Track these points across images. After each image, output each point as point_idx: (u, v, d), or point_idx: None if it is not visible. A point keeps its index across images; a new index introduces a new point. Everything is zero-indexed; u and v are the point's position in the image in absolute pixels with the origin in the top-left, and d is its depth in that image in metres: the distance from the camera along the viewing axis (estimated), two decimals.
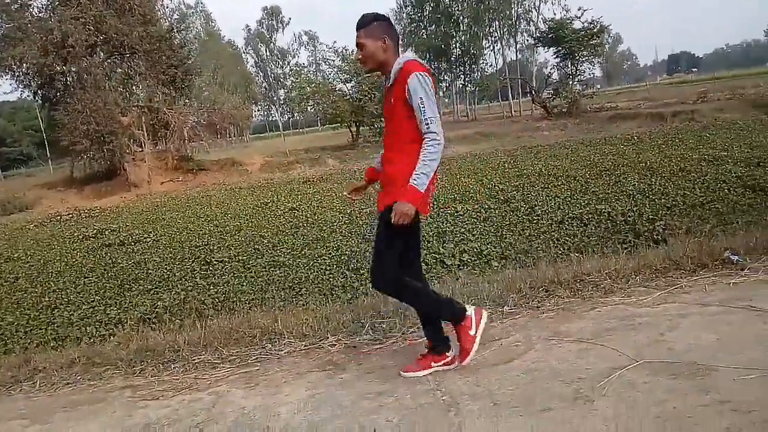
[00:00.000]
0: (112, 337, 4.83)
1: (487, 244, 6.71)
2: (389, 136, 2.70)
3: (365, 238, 7.58)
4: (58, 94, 22.36)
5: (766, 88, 24.03)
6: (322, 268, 6.81)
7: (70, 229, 12.67)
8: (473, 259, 6.27)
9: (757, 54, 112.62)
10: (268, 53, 68.35)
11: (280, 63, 68.71)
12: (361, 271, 6.43)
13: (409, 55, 2.62)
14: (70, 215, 15.63)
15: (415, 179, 2.49)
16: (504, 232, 7.23)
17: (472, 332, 2.83)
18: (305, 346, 3.48)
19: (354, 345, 3.40)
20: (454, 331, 2.88)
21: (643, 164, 10.29)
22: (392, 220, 2.52)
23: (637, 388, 2.44)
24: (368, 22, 2.63)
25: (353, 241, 7.81)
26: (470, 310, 2.87)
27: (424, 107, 2.49)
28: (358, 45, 2.65)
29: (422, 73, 2.52)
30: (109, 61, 23.32)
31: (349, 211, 10.01)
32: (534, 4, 38.20)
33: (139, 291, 6.94)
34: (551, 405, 2.41)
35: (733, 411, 2.17)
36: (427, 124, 2.50)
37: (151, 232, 10.69)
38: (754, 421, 2.10)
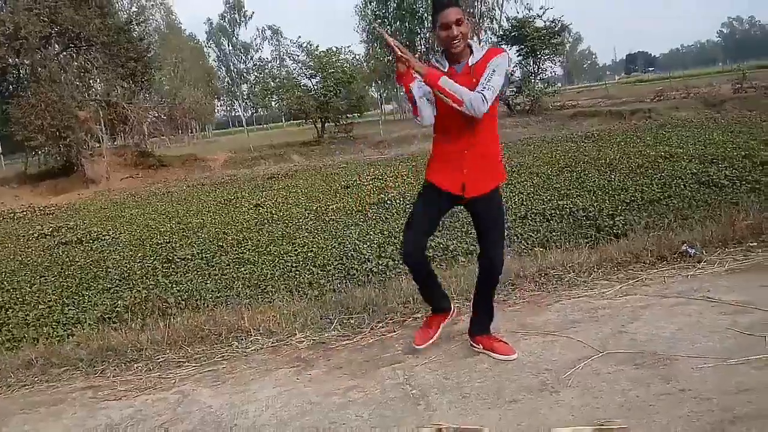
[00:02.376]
0: (70, 338, 4.68)
1: (453, 239, 6.76)
2: (475, 121, 2.59)
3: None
4: (10, 87, 21.56)
5: (718, 88, 24.88)
6: (288, 265, 6.74)
7: (25, 227, 12.22)
8: (439, 254, 6.29)
9: (711, 54, 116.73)
10: (230, 47, 67.31)
11: (243, 57, 67.79)
12: (328, 268, 6.40)
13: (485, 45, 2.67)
14: (24, 212, 15.07)
15: (444, 80, 2.51)
16: (468, 228, 7.29)
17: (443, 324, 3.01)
18: (273, 343, 3.45)
19: (322, 341, 3.38)
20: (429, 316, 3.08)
21: (603, 161, 10.53)
22: (401, 55, 2.51)
23: (602, 378, 2.50)
24: (460, 2, 2.60)
25: (320, 238, 7.76)
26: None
27: (493, 76, 2.55)
28: (457, 21, 2.54)
29: (506, 54, 2.65)
30: (64, 53, 22.55)
31: (315, 208, 9.95)
32: (497, 2, 38.64)
33: (98, 290, 6.73)
34: (519, 396, 2.45)
35: (693, 399, 2.25)
36: (485, 88, 2.52)
37: (110, 230, 10.40)
38: (712, 408, 2.18)
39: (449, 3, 2.58)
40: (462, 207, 2.90)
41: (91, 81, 24.47)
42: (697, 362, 2.51)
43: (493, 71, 2.56)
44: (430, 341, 2.96)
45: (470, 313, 3.03)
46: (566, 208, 7.39)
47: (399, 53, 2.51)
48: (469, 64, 2.62)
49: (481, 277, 2.87)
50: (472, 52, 2.65)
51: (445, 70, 2.62)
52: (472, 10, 38.19)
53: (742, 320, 2.87)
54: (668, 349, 2.67)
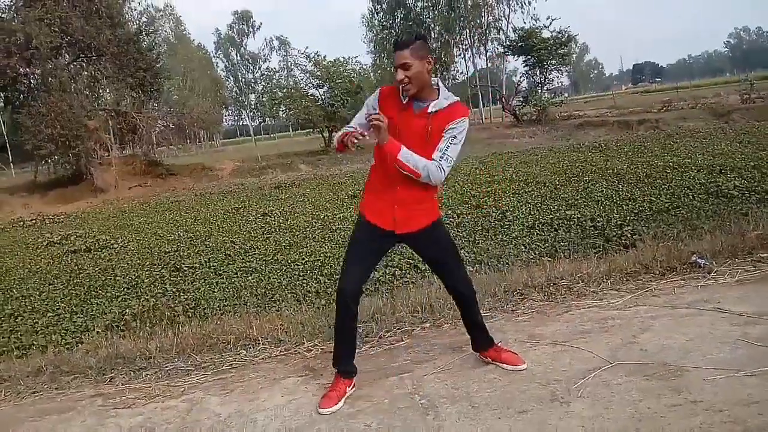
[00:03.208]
0: (79, 345, 4.70)
1: (461, 248, 6.75)
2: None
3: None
4: (21, 96, 21.78)
5: (726, 98, 24.82)
6: (295, 274, 6.75)
7: (34, 235, 12.30)
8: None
9: (718, 65, 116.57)
10: (238, 57, 67.69)
11: (251, 67, 68.16)
12: (335, 277, 6.40)
13: (452, 95, 2.63)
14: (34, 221, 15.18)
15: (403, 153, 2.52)
16: (476, 237, 7.28)
17: None
18: (281, 352, 3.45)
19: (330, 350, 3.36)
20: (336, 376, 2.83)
21: (611, 171, 10.51)
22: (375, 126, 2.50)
23: (612, 389, 2.48)
24: (413, 41, 2.54)
25: (327, 247, 7.77)
26: None
27: (451, 145, 2.57)
28: (403, 66, 2.50)
29: (467, 120, 2.63)
30: (75, 63, 22.79)
31: (322, 216, 9.97)
32: (504, 13, 38.75)
33: (106, 298, 6.76)
34: (528, 407, 2.44)
35: (704, 410, 2.23)
36: (442, 158, 2.55)
37: (118, 238, 10.46)
38: (723, 420, 2.16)
39: (398, 45, 2.54)
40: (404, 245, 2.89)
41: (100, 90, 24.74)
42: (708, 373, 2.49)
43: (453, 138, 2.57)
44: (336, 407, 2.65)
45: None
46: (574, 218, 7.38)
47: (378, 124, 2.49)
48: (429, 111, 2.57)
49: (458, 304, 2.93)
50: (438, 95, 2.61)
51: (404, 102, 2.59)
52: (479, 20, 38.39)
53: (752, 331, 2.85)
54: (679, 360, 2.65)
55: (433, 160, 2.54)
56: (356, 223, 2.81)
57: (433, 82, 2.63)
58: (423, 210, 2.71)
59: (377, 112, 2.57)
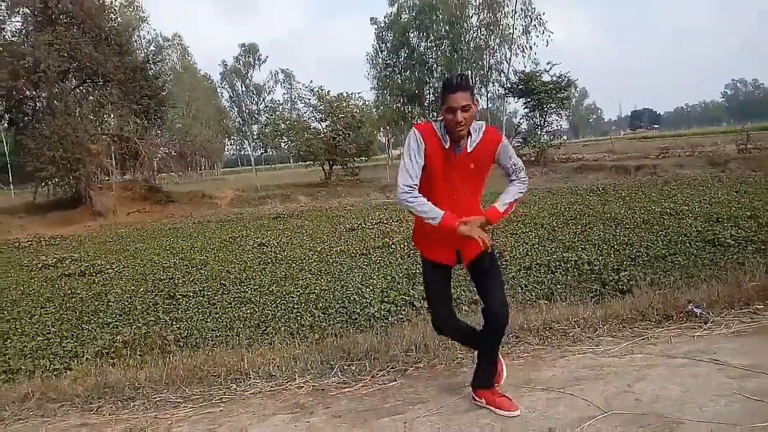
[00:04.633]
0: (67, 371, 4.64)
1: (456, 287, 6.73)
2: (469, 197, 2.78)
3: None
4: (26, 118, 21.95)
5: (723, 147, 25.10)
6: (289, 307, 6.71)
7: (29, 257, 12.24)
8: None
9: (715, 114, 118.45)
10: (243, 88, 68.65)
11: (256, 99, 69.03)
12: (330, 311, 6.36)
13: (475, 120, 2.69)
14: (30, 242, 15.13)
15: (502, 206, 2.77)
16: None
17: None
18: (271, 387, 3.40)
19: (322, 387, 3.33)
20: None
21: (608, 215, 10.56)
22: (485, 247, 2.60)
23: None
24: (470, 83, 2.61)
25: (323, 280, 7.74)
26: None
27: (513, 157, 2.82)
28: (464, 108, 2.53)
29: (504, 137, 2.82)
30: (81, 88, 23.09)
31: (319, 249, 9.95)
32: (505, 56, 39.58)
33: (98, 324, 6.69)
34: None
35: None
36: (517, 169, 2.83)
37: (113, 263, 10.41)
38: None
39: (459, 86, 2.55)
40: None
41: (105, 115, 24.96)
42: (704, 427, 2.46)
43: (510, 154, 2.81)
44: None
45: (473, 365, 2.99)
46: (571, 260, 7.37)
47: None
48: (468, 150, 2.66)
49: (487, 331, 2.84)
50: (470, 134, 2.67)
51: (447, 145, 2.65)
52: (481, 63, 39.14)
53: (749, 385, 2.82)
54: (674, 412, 2.62)
55: (516, 178, 2.83)
56: (425, 266, 2.95)
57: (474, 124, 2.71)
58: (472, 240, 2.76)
59: (485, 242, 2.58)
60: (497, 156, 2.76)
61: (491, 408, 2.80)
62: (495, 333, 2.82)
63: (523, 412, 2.76)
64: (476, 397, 2.89)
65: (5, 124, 24.20)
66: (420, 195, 2.64)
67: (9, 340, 6.27)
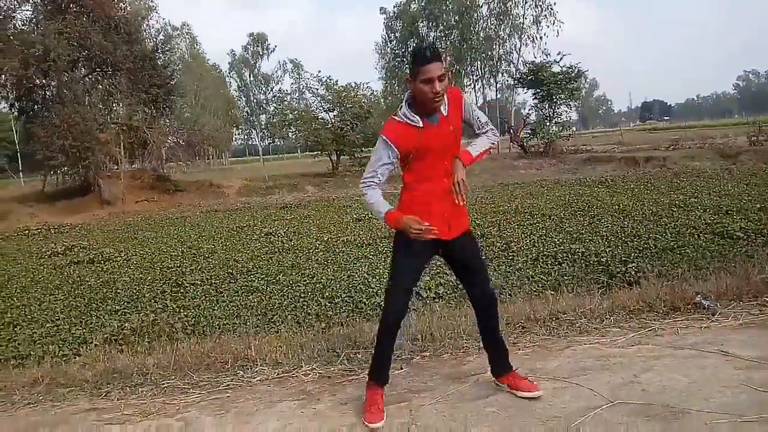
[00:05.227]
0: (76, 357, 4.68)
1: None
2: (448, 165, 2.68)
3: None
4: (35, 107, 22.05)
5: (734, 139, 24.86)
6: (296, 296, 6.73)
7: (38, 244, 12.35)
8: (449, 292, 6.26)
9: (726, 106, 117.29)
10: (251, 78, 68.61)
11: (264, 88, 68.98)
12: (336, 300, 6.38)
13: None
14: (39, 230, 15.25)
15: (475, 150, 2.74)
16: None
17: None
18: (278, 374, 3.42)
19: (328, 375, 3.35)
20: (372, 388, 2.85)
21: (616, 207, 10.51)
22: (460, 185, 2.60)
23: (612, 429, 2.45)
24: (440, 52, 2.56)
25: (329, 269, 7.76)
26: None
27: (480, 113, 2.81)
28: (440, 77, 2.50)
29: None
30: (90, 77, 23.14)
31: (326, 239, 9.97)
32: (515, 46, 39.34)
33: (106, 311, 6.75)
34: None
35: None
36: (487, 123, 2.81)
37: (122, 251, 10.48)
38: None
39: (433, 57, 2.49)
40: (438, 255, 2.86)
41: (114, 104, 25.03)
42: (710, 417, 2.45)
43: (475, 110, 2.80)
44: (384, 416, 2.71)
45: (478, 354, 3.00)
46: (578, 252, 7.35)
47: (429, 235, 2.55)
48: (444, 114, 2.63)
49: (487, 315, 2.87)
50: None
51: (420, 125, 2.59)
52: (490, 53, 38.90)
53: (756, 376, 2.81)
54: (681, 403, 2.61)
55: (484, 130, 2.79)
56: (401, 239, 2.69)
57: None
58: (464, 212, 2.81)
59: (423, 228, 2.51)
60: (464, 112, 2.73)
61: (514, 391, 2.84)
62: (495, 313, 2.89)
63: (529, 401, 2.76)
64: (499, 383, 2.93)
65: (15, 113, 24.31)
66: (376, 189, 2.68)
67: (19, 327, 6.34)
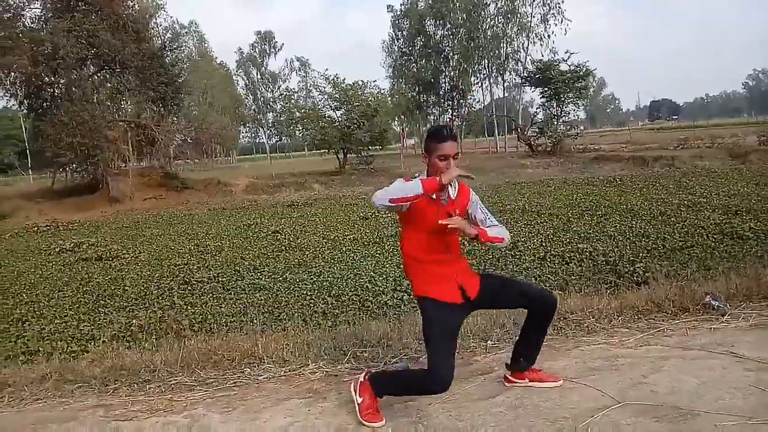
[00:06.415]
0: (84, 354, 4.71)
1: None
2: (454, 245, 2.79)
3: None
4: (44, 104, 22.17)
5: (743, 139, 24.68)
6: (303, 294, 6.74)
7: (47, 241, 12.43)
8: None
9: (735, 105, 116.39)
10: (259, 76, 68.65)
11: (271, 87, 69.02)
12: (343, 298, 6.39)
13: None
14: (48, 227, 15.36)
15: (492, 233, 2.74)
16: (487, 266, 7.25)
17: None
18: (285, 372, 3.42)
19: (335, 373, 3.35)
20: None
21: (625, 206, 10.46)
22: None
23: (620, 430, 2.43)
24: (456, 135, 2.70)
25: (336, 267, 7.76)
26: None
27: (487, 212, 2.86)
28: (454, 156, 2.63)
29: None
30: (99, 75, 23.25)
31: (333, 237, 9.98)
32: (523, 45, 39.07)
33: (114, 307, 6.79)
34: None
35: None
36: (489, 218, 2.86)
37: (130, 248, 10.54)
38: None
39: (449, 136, 2.66)
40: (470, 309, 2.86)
41: (122, 102, 25.15)
42: (719, 419, 2.43)
43: (482, 206, 2.86)
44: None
45: (485, 354, 2.97)
46: (586, 251, 7.33)
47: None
48: (452, 197, 2.73)
49: (546, 317, 2.85)
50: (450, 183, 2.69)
51: (434, 197, 2.66)
52: (498, 51, 38.75)
53: (766, 378, 2.78)
54: (690, 404, 2.59)
55: (496, 224, 2.84)
56: (427, 309, 2.70)
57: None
58: (469, 268, 2.86)
59: (452, 217, 2.61)
60: (469, 206, 2.80)
61: (536, 384, 2.89)
62: (552, 312, 2.87)
63: (536, 401, 2.75)
64: (517, 380, 2.94)
65: (24, 110, 24.46)
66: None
67: (28, 323, 6.39)
